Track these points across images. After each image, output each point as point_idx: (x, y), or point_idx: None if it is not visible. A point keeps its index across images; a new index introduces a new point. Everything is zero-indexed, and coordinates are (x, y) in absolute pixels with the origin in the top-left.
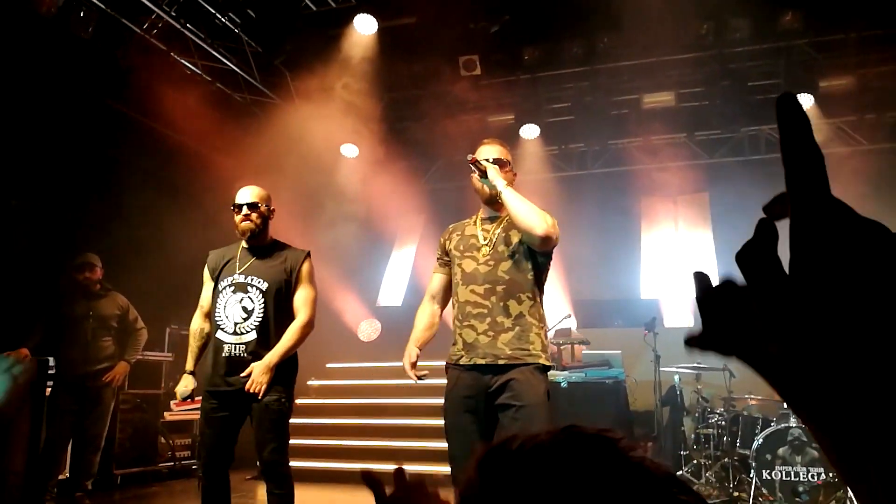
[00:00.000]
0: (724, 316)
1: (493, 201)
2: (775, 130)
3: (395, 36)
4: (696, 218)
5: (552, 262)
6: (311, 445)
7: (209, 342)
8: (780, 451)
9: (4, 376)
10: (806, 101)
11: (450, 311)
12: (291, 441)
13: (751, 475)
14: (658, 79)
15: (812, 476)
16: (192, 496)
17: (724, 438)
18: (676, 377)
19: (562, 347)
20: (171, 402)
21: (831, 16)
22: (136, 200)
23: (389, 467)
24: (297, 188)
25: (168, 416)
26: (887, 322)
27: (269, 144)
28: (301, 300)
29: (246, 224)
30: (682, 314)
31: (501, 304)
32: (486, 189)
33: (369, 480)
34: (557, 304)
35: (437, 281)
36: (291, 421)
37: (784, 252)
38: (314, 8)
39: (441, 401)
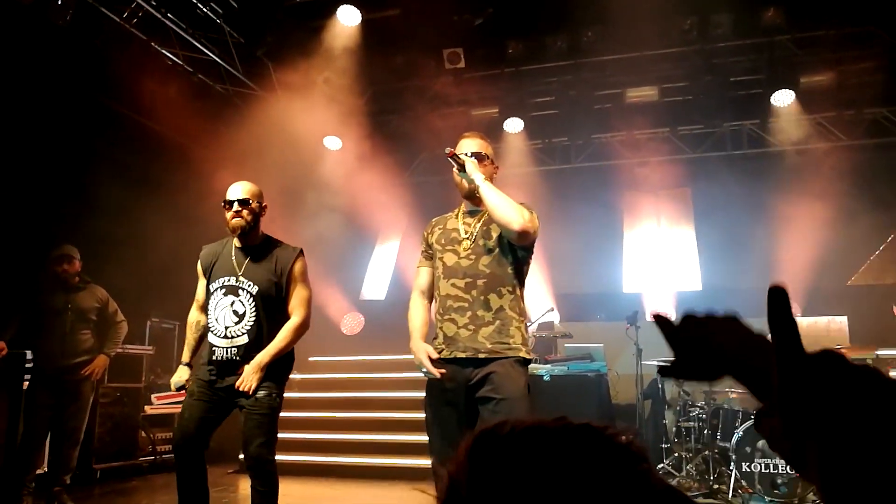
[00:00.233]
0: (696, 347)
1: (473, 196)
2: (757, 126)
3: (378, 28)
4: (678, 213)
5: (534, 256)
6: (293, 439)
7: (205, 335)
8: (760, 443)
9: None
10: (787, 96)
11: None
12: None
13: (731, 467)
14: (641, 73)
15: (790, 468)
16: (172, 490)
17: (705, 431)
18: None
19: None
20: (152, 396)
21: (812, 12)
22: (115, 192)
23: (373, 461)
24: (279, 181)
25: (149, 409)
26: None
27: (250, 136)
28: (296, 301)
29: (237, 221)
30: (664, 308)
31: (482, 297)
32: (465, 183)
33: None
34: (540, 298)
35: (423, 275)
36: None
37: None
38: None
39: (422, 394)
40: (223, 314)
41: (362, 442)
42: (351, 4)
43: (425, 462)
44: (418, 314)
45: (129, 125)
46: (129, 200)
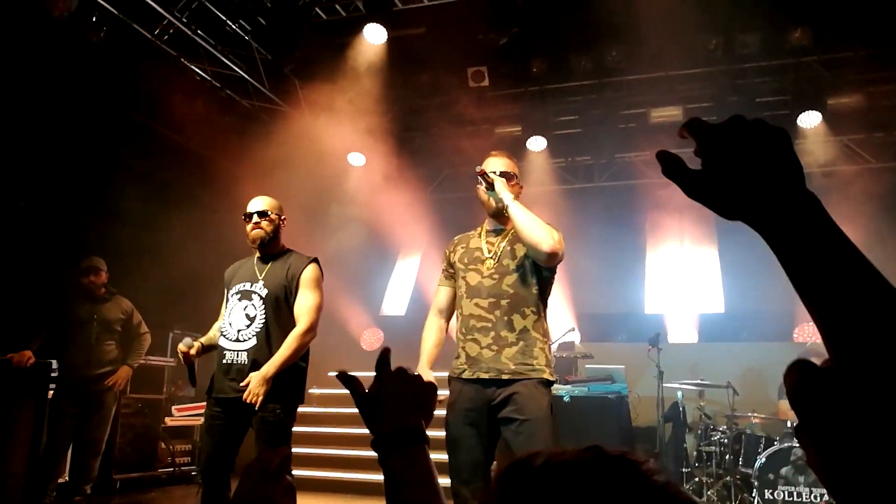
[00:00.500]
0: (736, 157)
1: (499, 214)
2: None
3: (404, 46)
4: (701, 233)
5: (556, 276)
6: (311, 454)
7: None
8: (783, 470)
9: None
10: (814, 118)
11: (453, 323)
12: (294, 450)
13: (753, 494)
14: (666, 93)
15: (815, 497)
16: (190, 503)
17: (727, 456)
18: (679, 393)
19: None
20: (173, 407)
21: (840, 33)
22: (142, 205)
23: None
24: (303, 195)
25: (169, 421)
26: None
27: (276, 151)
28: (301, 307)
29: (256, 232)
30: (686, 330)
31: (505, 318)
32: (493, 202)
33: (344, 379)
34: (561, 318)
35: (443, 294)
36: (293, 429)
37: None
38: (324, 17)
39: (443, 413)
40: (236, 318)
41: None
42: (377, 23)
43: (445, 481)
44: (431, 337)
45: (157, 139)
46: (155, 213)
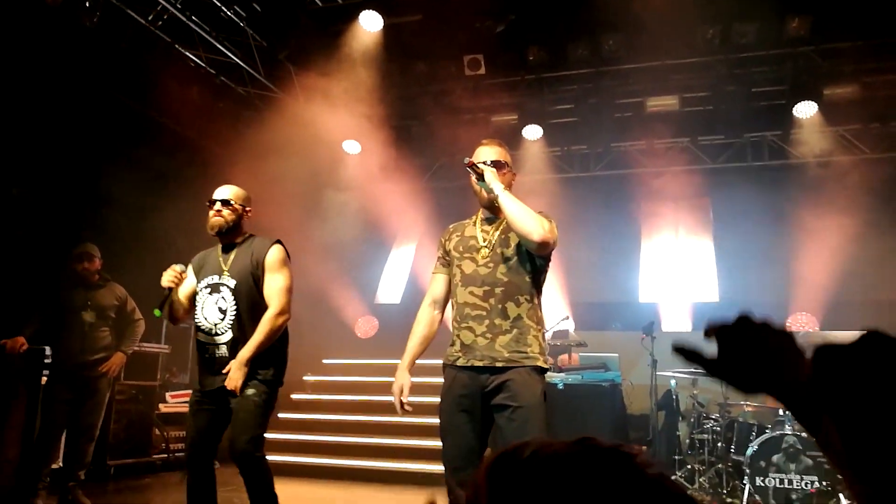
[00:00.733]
0: (746, 351)
1: (491, 204)
2: (779, 137)
3: (400, 33)
4: (696, 223)
5: (551, 264)
6: (306, 441)
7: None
8: (775, 458)
9: None
10: (810, 108)
11: (449, 310)
12: (288, 437)
13: (744, 481)
14: (662, 82)
15: (806, 484)
16: (184, 488)
17: (719, 444)
18: (673, 381)
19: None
20: (167, 394)
21: (838, 23)
22: (136, 191)
23: (386, 465)
24: (298, 183)
25: (163, 407)
26: None
27: (271, 138)
28: (271, 290)
29: (216, 220)
30: (680, 319)
31: (500, 306)
32: (484, 192)
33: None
34: (556, 306)
35: (438, 283)
36: (287, 416)
37: None
38: (320, 3)
39: (437, 399)
40: (210, 312)
41: (375, 445)
42: (373, 10)
43: (438, 467)
44: (419, 331)
45: (152, 125)
46: (149, 200)
